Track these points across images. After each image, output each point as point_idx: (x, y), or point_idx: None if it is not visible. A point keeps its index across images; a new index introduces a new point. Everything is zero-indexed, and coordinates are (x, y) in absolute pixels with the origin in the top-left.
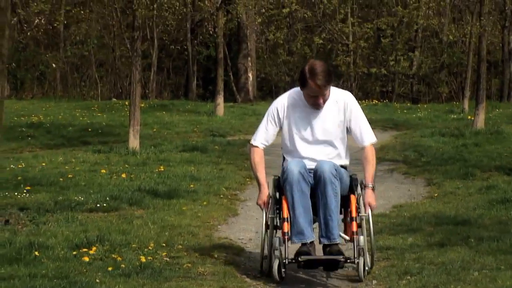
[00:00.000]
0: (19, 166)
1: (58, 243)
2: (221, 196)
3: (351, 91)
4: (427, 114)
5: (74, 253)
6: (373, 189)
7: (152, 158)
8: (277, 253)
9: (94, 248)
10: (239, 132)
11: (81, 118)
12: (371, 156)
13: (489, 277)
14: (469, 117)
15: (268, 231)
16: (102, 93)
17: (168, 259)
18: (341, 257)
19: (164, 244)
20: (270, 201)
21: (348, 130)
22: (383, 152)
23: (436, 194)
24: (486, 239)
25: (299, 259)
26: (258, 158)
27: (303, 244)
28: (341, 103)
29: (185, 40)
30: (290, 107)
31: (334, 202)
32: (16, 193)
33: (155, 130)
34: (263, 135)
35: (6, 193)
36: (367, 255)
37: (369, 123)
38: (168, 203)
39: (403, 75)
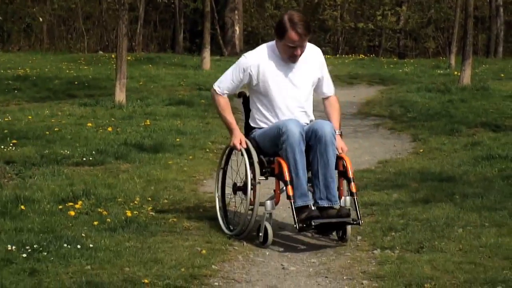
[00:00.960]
0: (5, 119)
1: (44, 197)
2: (207, 150)
3: (337, 46)
4: (414, 69)
5: (60, 207)
6: (341, 135)
7: (138, 111)
8: (266, 216)
9: (80, 202)
10: None
11: (67, 71)
12: (337, 104)
13: (473, 234)
14: (456, 72)
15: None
16: (88, 46)
17: (153, 213)
18: (351, 218)
19: (149, 199)
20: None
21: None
22: (368, 107)
23: (421, 150)
24: (470, 195)
25: (312, 223)
26: (224, 102)
27: (305, 207)
28: (316, 59)
29: None
30: (264, 65)
31: (333, 164)
32: (2, 147)
33: (141, 83)
34: (228, 85)
35: None
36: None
37: (355, 78)
38: (154, 157)
39: (390, 30)
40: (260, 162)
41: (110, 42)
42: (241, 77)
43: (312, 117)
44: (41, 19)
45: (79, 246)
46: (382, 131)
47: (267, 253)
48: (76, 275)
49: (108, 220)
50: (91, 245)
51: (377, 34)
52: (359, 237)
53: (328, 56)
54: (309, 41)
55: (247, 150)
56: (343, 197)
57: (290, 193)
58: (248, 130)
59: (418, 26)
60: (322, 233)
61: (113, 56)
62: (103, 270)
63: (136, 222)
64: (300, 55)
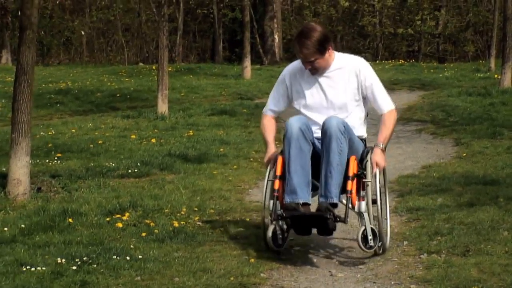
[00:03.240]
0: (49, 133)
1: (91, 209)
2: (251, 159)
3: (377, 52)
4: (454, 74)
5: (108, 219)
6: (383, 150)
7: (181, 122)
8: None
9: (127, 214)
10: (267, 95)
11: (108, 84)
12: (387, 120)
13: None
14: (496, 75)
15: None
16: (128, 58)
17: (200, 223)
18: (329, 213)
19: (196, 209)
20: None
21: (365, 99)
22: (410, 112)
23: (464, 154)
24: None
25: (284, 214)
26: (266, 121)
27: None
28: (352, 71)
29: (211, 3)
30: (295, 75)
31: (337, 159)
32: (47, 160)
33: (183, 94)
34: (272, 102)
35: (37, 161)
36: (369, 222)
37: (396, 83)
38: (199, 167)
39: (429, 35)
40: None
41: (150, 54)
42: (282, 89)
43: (361, 133)
44: (82, 33)
45: (128, 258)
46: (424, 136)
47: (315, 260)
48: (127, 286)
49: (156, 231)
50: (140, 256)
51: (416, 39)
52: (405, 242)
53: (368, 62)
54: (350, 49)
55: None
56: (356, 202)
57: (276, 187)
58: None
59: (457, 30)
60: (301, 230)
61: (153, 67)
62: (153, 281)
63: (183, 232)
64: (316, 70)
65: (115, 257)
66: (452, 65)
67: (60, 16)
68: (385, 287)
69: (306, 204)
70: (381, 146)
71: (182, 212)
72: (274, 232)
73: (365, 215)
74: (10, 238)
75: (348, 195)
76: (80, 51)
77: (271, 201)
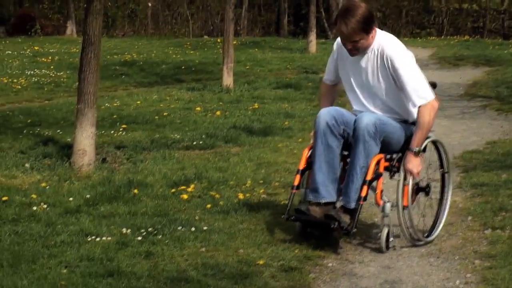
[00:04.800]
0: (114, 104)
1: (156, 181)
2: None
3: (442, 27)
4: None
5: (173, 190)
6: (416, 154)
7: (245, 95)
8: (385, 220)
9: (192, 186)
10: None
11: (173, 56)
12: (421, 118)
13: None
14: None
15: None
16: (193, 31)
17: (265, 196)
18: (334, 222)
19: (261, 182)
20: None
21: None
22: (475, 88)
23: None
24: None
25: (291, 218)
26: (323, 89)
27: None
28: (381, 55)
29: None
30: (340, 50)
31: (361, 162)
32: (112, 132)
33: (248, 67)
34: (327, 71)
35: (103, 132)
36: (389, 225)
37: (461, 59)
38: (264, 140)
39: (495, 11)
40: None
41: (214, 27)
42: (332, 60)
43: (406, 116)
44: (149, 4)
45: (193, 229)
46: (489, 112)
47: (379, 235)
48: (191, 257)
49: (221, 203)
50: (205, 228)
51: (482, 15)
52: (469, 217)
53: (433, 37)
54: (414, 24)
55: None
56: (381, 203)
57: (295, 183)
58: None
59: None
60: (310, 227)
61: (218, 40)
62: (218, 252)
63: (248, 205)
64: (357, 50)
65: (180, 228)
66: None
67: None
68: (449, 262)
69: (329, 204)
70: (414, 149)
71: (247, 185)
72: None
73: (386, 219)
74: (75, 208)
75: (361, 202)
76: (145, 23)
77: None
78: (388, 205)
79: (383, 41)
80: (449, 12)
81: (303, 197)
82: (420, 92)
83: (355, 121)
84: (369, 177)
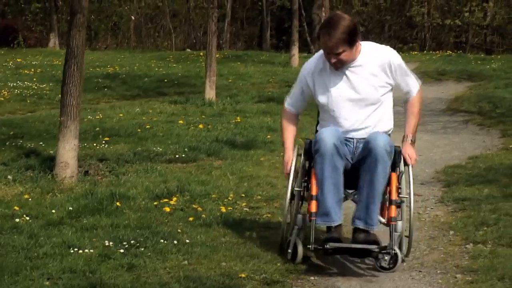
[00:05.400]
0: (97, 117)
1: (139, 193)
2: (298, 147)
3: (424, 42)
4: (501, 65)
5: (155, 203)
6: (413, 142)
7: (228, 109)
8: (295, 231)
9: (174, 199)
10: None
11: (156, 69)
12: (415, 106)
13: None
14: None
15: (292, 204)
16: (176, 44)
17: (248, 209)
18: (376, 247)
19: (243, 195)
20: (299, 170)
21: (392, 88)
22: (457, 103)
23: (511, 146)
24: None
25: (327, 246)
26: (286, 119)
27: (329, 228)
28: (379, 61)
29: None
30: (318, 72)
31: (382, 183)
32: (94, 144)
33: (230, 81)
34: (292, 100)
35: (85, 144)
36: (404, 242)
37: (443, 74)
38: (246, 154)
39: (477, 26)
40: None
41: (197, 40)
42: (301, 87)
43: (390, 127)
44: (132, 17)
45: (175, 242)
46: (471, 127)
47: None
48: (174, 270)
49: (203, 216)
50: (187, 241)
51: (464, 30)
52: (451, 232)
53: (415, 52)
54: (397, 38)
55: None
56: (392, 223)
57: (312, 209)
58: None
59: (505, 22)
60: (338, 254)
61: (201, 54)
62: (200, 265)
63: (231, 218)
64: (341, 63)
65: (162, 241)
66: (499, 56)
67: (109, 0)
68: (431, 276)
69: (339, 226)
70: (411, 139)
71: (230, 198)
72: (294, 246)
73: (396, 235)
74: (58, 220)
75: (393, 222)
76: (128, 36)
77: (300, 220)
78: (400, 223)
79: (382, 50)
80: (431, 27)
81: (300, 224)
82: (415, 80)
83: (367, 141)
84: (394, 197)
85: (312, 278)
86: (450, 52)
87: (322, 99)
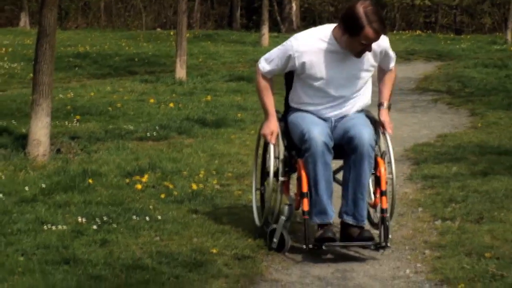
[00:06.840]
0: (68, 95)
1: (111, 170)
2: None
3: (394, 22)
4: (470, 45)
5: (127, 180)
6: (388, 108)
7: (199, 88)
8: (281, 221)
9: (146, 176)
10: None
11: (127, 48)
12: (394, 74)
13: None
14: None
15: (269, 178)
16: (146, 23)
17: (218, 186)
18: (371, 243)
19: (214, 172)
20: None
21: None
22: (426, 82)
23: (479, 124)
24: None
25: (324, 248)
26: (265, 85)
27: (321, 225)
28: (379, 48)
29: None
30: (312, 55)
31: (368, 177)
32: (66, 122)
33: (200, 60)
34: (273, 68)
35: (57, 122)
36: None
37: (413, 53)
38: (217, 132)
39: (447, 6)
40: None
41: (167, 19)
42: (285, 62)
43: (368, 100)
44: None
45: (147, 218)
46: (440, 106)
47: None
48: (146, 246)
49: (175, 193)
50: (159, 217)
51: (434, 10)
52: (420, 209)
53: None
54: None
55: (275, 146)
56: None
57: (305, 208)
58: (286, 107)
59: (474, 2)
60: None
61: (171, 33)
62: (172, 241)
63: (202, 195)
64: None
65: (134, 217)
66: (468, 36)
67: None
68: (400, 251)
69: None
70: (387, 104)
71: (201, 175)
72: (281, 237)
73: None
74: (31, 197)
75: (385, 215)
76: (98, 15)
77: (285, 210)
78: None
79: None
80: (401, 7)
81: (287, 214)
82: (393, 55)
83: (351, 137)
84: (384, 187)
85: (282, 253)
86: (420, 32)
87: (308, 73)
